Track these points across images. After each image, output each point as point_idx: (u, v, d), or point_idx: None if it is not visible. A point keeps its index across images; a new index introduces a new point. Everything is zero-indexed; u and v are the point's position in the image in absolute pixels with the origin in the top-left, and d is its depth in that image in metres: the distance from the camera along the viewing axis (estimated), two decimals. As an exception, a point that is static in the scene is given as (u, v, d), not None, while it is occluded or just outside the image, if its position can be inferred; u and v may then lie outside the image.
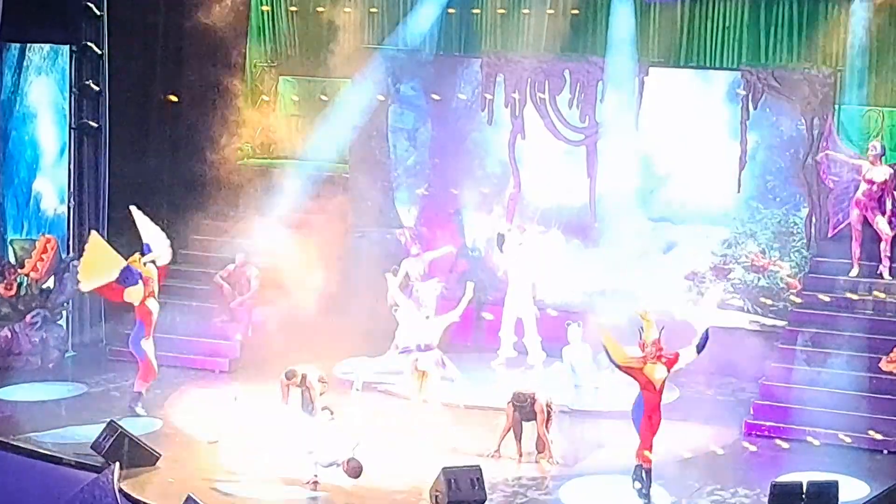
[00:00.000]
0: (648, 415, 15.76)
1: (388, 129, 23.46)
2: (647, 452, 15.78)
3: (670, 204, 21.81)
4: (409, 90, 23.29)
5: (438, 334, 17.91)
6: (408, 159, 23.52)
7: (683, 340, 16.09)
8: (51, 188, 22.63)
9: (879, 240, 19.80)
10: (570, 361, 19.90)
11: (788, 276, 21.17)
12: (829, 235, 20.07)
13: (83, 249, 20.82)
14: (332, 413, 17.96)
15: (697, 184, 21.57)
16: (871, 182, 19.68)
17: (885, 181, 19.69)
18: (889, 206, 19.71)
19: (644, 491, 15.87)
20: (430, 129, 23.33)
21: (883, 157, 19.81)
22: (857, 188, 19.92)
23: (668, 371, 15.76)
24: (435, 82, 22.94)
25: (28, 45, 22.51)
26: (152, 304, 18.62)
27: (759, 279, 21.38)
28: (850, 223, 19.94)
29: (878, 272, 19.69)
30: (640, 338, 15.82)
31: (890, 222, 19.68)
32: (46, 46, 22.38)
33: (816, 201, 20.74)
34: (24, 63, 22.67)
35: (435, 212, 23.06)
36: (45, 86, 22.61)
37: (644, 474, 15.92)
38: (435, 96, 22.71)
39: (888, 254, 19.67)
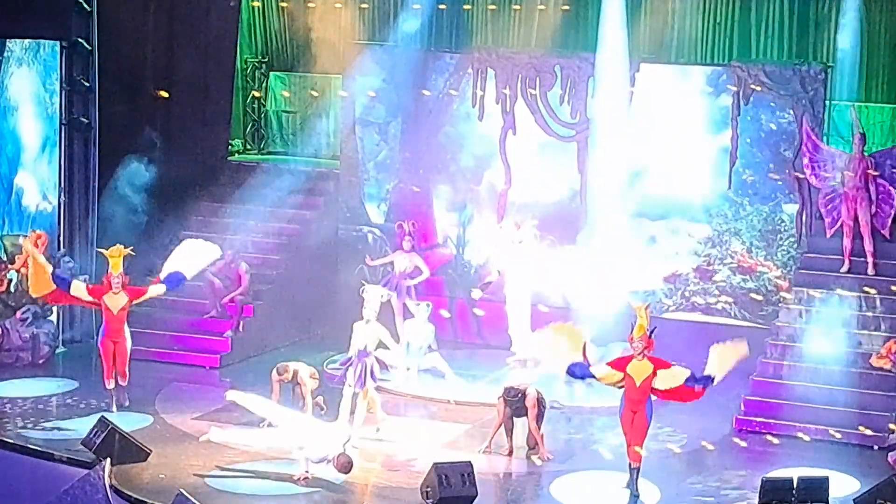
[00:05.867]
0: (632, 409, 15.67)
1: (357, 123, 23.13)
2: (637, 448, 15.72)
3: (658, 200, 21.67)
4: (380, 83, 22.90)
5: (375, 340, 17.62)
6: (378, 154, 23.19)
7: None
8: (33, 184, 22.43)
9: (864, 236, 19.77)
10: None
11: (777, 278, 21.10)
12: (828, 237, 19.95)
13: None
14: (322, 407, 17.99)
15: (685, 180, 21.46)
16: (854, 175, 19.63)
17: (867, 173, 19.63)
18: (873, 198, 19.69)
19: (631, 489, 15.85)
20: (400, 123, 22.96)
21: (864, 149, 19.75)
22: (843, 183, 19.87)
23: (654, 372, 15.61)
24: (406, 75, 22.55)
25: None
26: (108, 300, 18.52)
27: (745, 281, 21.30)
28: (842, 219, 19.86)
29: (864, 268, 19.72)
30: (631, 332, 15.80)
31: (873, 216, 19.66)
32: (28, 38, 22.24)
33: (807, 197, 20.70)
34: (5, 54, 22.36)
35: (406, 207, 22.71)
36: (27, 78, 22.34)
37: (632, 472, 15.89)
38: (425, 92, 22.58)
39: (871, 249, 19.68)
